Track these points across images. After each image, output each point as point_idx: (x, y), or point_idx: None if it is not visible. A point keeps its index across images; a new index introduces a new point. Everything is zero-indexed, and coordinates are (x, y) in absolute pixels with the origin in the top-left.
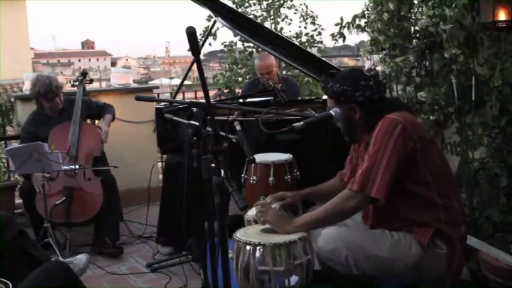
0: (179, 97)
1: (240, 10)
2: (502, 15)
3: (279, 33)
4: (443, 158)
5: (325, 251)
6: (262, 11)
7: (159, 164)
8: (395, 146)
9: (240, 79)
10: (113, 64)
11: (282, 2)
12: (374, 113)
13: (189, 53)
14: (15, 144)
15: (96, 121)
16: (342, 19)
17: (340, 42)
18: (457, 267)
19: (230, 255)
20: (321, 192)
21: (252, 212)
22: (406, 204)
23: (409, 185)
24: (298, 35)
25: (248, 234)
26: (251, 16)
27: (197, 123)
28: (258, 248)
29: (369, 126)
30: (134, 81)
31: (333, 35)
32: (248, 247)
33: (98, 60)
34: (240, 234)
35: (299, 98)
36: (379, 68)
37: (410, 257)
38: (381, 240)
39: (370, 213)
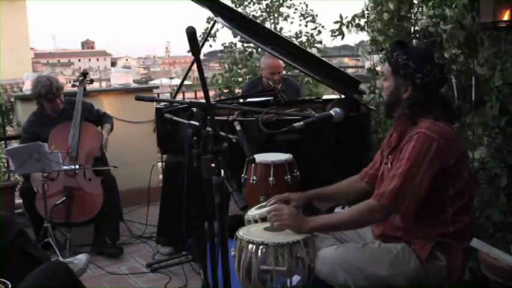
0: (179, 97)
1: (239, 10)
2: (502, 16)
3: (279, 33)
4: (470, 170)
5: (324, 273)
6: (261, 11)
7: (159, 164)
8: (429, 166)
9: (240, 79)
10: (113, 64)
11: (281, 1)
12: (420, 104)
13: (189, 53)
14: (15, 144)
15: None
16: (341, 16)
17: (340, 42)
18: (457, 277)
19: (232, 253)
20: (328, 194)
21: (252, 212)
22: (420, 216)
23: (430, 199)
24: (298, 35)
25: (251, 232)
26: (251, 16)
27: (197, 123)
28: (260, 247)
29: (409, 114)
30: (134, 81)
31: (332, 31)
32: (251, 246)
33: (98, 60)
34: (243, 233)
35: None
36: (379, 68)
37: (409, 271)
38: (380, 258)
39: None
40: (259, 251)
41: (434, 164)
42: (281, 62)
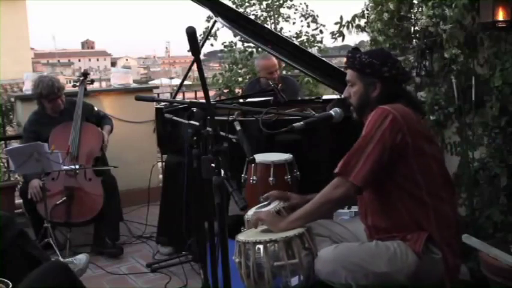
0: (179, 97)
1: (240, 10)
2: (501, 15)
3: (279, 33)
4: (440, 159)
5: (324, 273)
6: (262, 11)
7: (159, 164)
8: (382, 136)
9: (240, 79)
10: (113, 64)
11: (281, 1)
12: (391, 95)
13: (189, 53)
14: (15, 144)
15: None
16: (341, 18)
17: (340, 42)
18: (453, 270)
19: (237, 260)
20: None
21: (252, 212)
22: (395, 199)
23: (398, 179)
24: (298, 35)
25: (252, 235)
26: (251, 16)
27: (197, 123)
28: (268, 245)
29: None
30: (134, 81)
31: (332, 33)
32: (258, 246)
33: (98, 60)
34: (244, 237)
35: (298, 98)
36: None
37: (408, 267)
38: (378, 255)
39: (369, 213)
40: (269, 248)
41: (388, 133)
42: (275, 60)
